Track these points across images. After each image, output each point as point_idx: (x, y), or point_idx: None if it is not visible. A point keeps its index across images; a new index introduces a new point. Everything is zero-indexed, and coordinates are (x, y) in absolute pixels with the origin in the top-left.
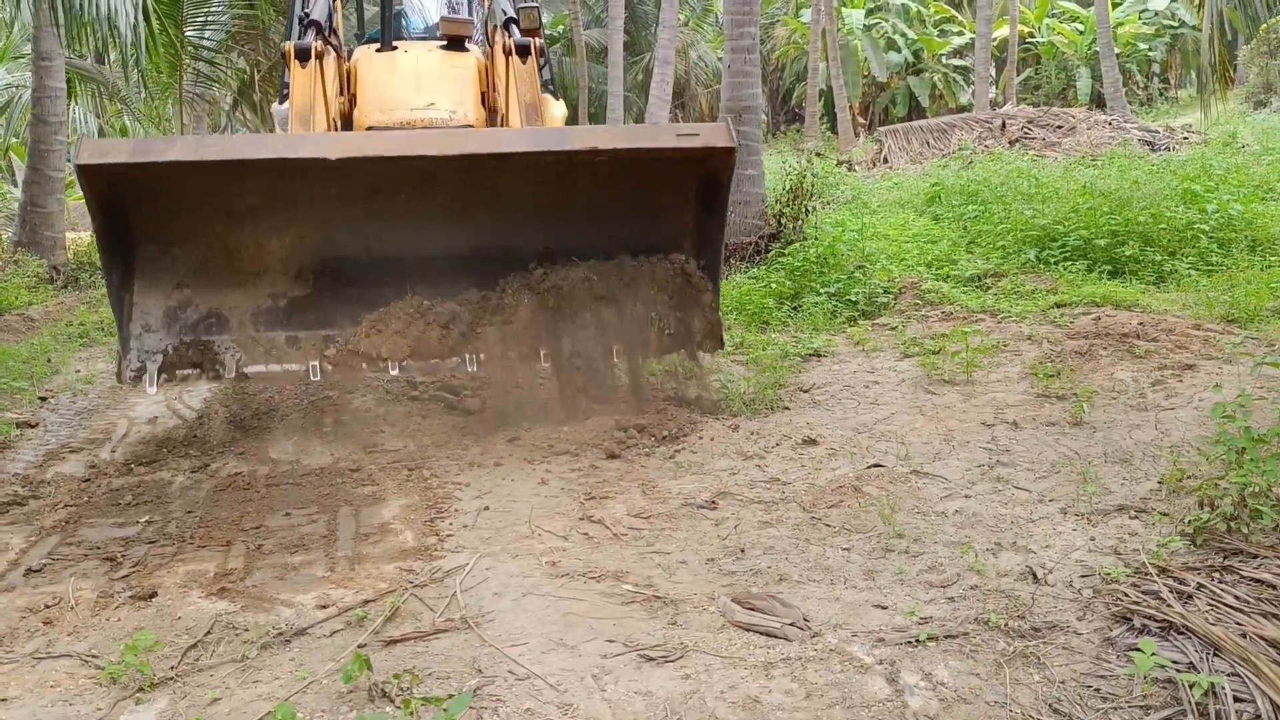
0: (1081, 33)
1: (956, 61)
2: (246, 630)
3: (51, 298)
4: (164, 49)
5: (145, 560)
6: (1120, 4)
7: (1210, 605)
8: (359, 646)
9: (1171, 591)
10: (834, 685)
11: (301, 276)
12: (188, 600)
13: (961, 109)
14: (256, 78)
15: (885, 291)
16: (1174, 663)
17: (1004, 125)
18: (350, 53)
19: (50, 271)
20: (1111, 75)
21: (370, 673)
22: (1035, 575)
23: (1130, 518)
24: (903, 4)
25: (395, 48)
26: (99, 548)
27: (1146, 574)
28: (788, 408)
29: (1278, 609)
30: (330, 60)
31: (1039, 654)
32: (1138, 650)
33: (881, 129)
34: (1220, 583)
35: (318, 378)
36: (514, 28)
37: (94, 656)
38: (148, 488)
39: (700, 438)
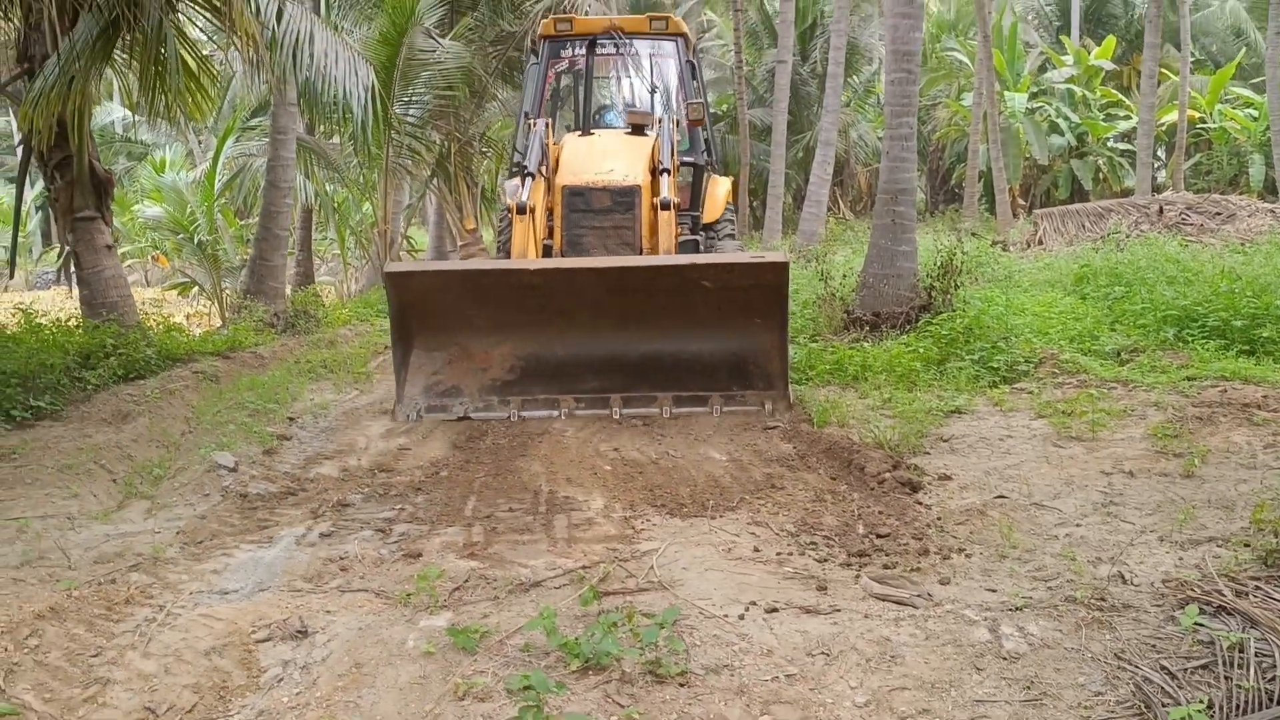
0: (1255, 119)
1: (1123, 145)
2: (495, 581)
3: (275, 339)
4: (382, 125)
5: (408, 533)
6: None
7: (1262, 599)
8: (580, 595)
9: (1230, 589)
10: (947, 632)
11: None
12: (446, 560)
13: (1125, 192)
14: (452, 151)
15: (1026, 361)
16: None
17: (1161, 211)
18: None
19: (272, 317)
20: None
21: (599, 603)
22: (1124, 578)
23: (1218, 546)
24: (1067, 89)
25: (592, 133)
26: (368, 523)
27: (1215, 579)
28: (928, 453)
29: None
30: (540, 189)
31: (1112, 621)
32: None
33: (1038, 211)
34: (1277, 587)
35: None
36: (664, 182)
37: (383, 592)
38: (393, 485)
39: None
